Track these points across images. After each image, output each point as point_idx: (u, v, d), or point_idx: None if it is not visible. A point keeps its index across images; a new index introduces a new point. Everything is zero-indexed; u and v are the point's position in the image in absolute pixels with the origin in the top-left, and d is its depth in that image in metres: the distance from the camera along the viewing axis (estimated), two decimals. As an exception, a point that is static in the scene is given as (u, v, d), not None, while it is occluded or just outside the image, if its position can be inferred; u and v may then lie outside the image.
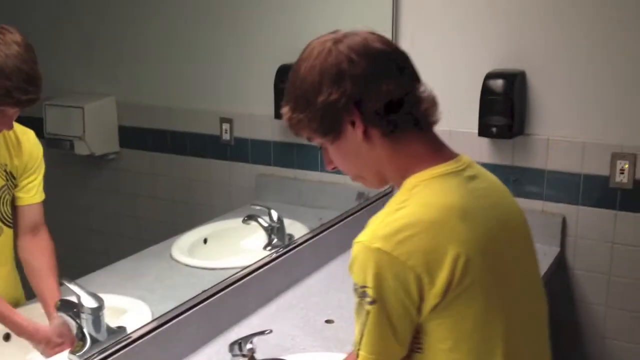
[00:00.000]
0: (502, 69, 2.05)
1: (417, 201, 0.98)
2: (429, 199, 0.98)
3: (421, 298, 0.94)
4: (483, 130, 2.02)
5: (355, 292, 0.97)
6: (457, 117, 2.03)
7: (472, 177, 1.03)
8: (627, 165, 1.96)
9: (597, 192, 2.02)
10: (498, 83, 2.00)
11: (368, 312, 0.95)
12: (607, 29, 1.95)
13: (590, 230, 2.05)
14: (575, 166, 2.04)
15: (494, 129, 2.01)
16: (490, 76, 2.02)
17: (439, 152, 1.05)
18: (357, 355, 0.98)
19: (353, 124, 1.00)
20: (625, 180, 1.97)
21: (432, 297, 0.94)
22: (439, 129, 1.06)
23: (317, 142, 1.06)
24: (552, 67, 2.04)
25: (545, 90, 2.05)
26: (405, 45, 2.29)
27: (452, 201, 0.98)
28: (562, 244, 2.09)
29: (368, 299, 0.94)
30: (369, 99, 0.99)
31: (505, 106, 1.99)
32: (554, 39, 2.02)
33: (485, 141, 2.08)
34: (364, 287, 0.95)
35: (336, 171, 1.12)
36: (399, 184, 1.03)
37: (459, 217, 0.96)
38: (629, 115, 1.96)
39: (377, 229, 0.96)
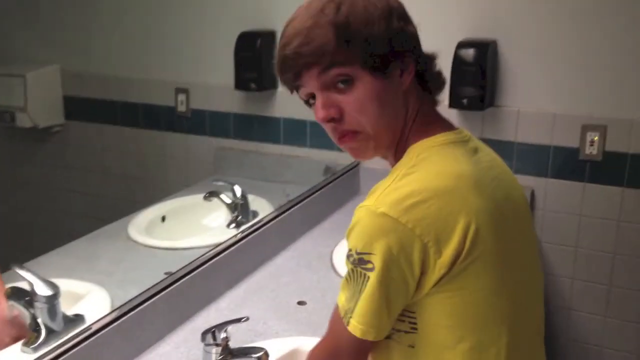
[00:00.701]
0: (474, 38, 1.99)
1: (427, 167, 0.92)
2: (439, 166, 0.92)
3: (423, 271, 0.88)
4: (454, 102, 1.96)
5: (349, 258, 0.90)
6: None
7: (476, 149, 0.99)
8: (597, 137, 1.94)
9: (566, 164, 2.00)
10: (470, 52, 1.94)
11: (367, 279, 0.88)
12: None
13: (558, 202, 2.04)
14: (545, 138, 2.01)
15: (465, 101, 1.96)
16: (462, 45, 1.95)
17: (445, 122, 1.00)
18: (347, 323, 0.91)
19: (402, 70, 0.94)
20: (594, 152, 1.95)
21: (438, 268, 0.87)
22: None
23: (345, 69, 0.91)
24: (524, 37, 1.99)
25: (516, 60, 2.01)
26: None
27: (462, 169, 0.92)
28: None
29: (368, 266, 0.87)
30: (420, 50, 0.96)
31: (477, 77, 1.94)
32: (525, 8, 1.97)
33: (454, 113, 2.02)
34: (364, 253, 0.87)
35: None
36: (400, 151, 0.96)
37: (470, 186, 0.90)
38: (599, 86, 1.94)
39: (383, 194, 0.88)
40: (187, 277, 1.49)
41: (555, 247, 2.07)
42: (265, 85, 2.18)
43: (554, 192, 2.04)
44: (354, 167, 2.28)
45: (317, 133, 2.32)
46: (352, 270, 0.90)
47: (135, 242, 1.78)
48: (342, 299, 0.93)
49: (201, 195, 1.95)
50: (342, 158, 2.26)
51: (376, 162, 2.25)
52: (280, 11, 2.16)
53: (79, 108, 2.35)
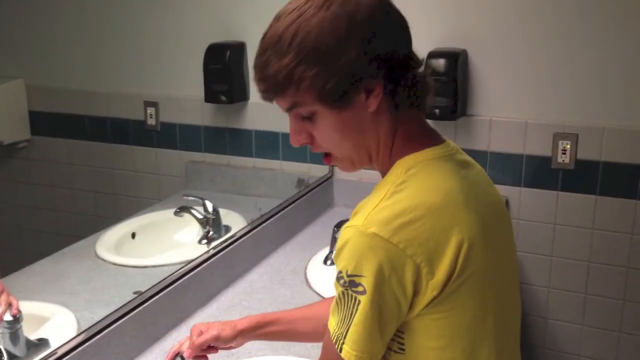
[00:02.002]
0: (444, 48, 1.99)
1: (416, 184, 0.88)
2: (428, 182, 0.89)
3: (415, 292, 0.85)
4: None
5: (339, 280, 0.86)
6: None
7: (462, 163, 0.96)
8: (568, 146, 1.95)
9: (539, 173, 2.00)
10: (440, 62, 1.94)
11: (358, 302, 0.85)
12: (547, 7, 1.92)
13: (533, 212, 2.04)
14: (518, 147, 2.01)
15: (437, 111, 1.95)
16: (432, 55, 1.94)
17: (431, 135, 0.96)
18: (340, 350, 0.87)
19: (368, 92, 0.88)
20: (567, 160, 1.96)
21: (430, 289, 0.85)
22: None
23: (303, 110, 0.88)
24: (494, 46, 1.99)
25: (487, 69, 2.01)
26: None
27: (452, 185, 0.89)
28: (505, 226, 2.06)
29: (359, 289, 0.84)
30: (392, 63, 0.89)
31: (448, 86, 1.93)
32: (495, 17, 1.98)
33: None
34: (354, 275, 0.84)
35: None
36: (386, 166, 0.93)
37: (461, 203, 0.88)
38: (570, 94, 1.95)
39: (372, 213, 0.85)
40: (157, 297, 1.44)
41: (531, 257, 2.07)
42: (236, 97, 2.15)
43: (528, 201, 2.04)
44: (327, 179, 2.26)
45: (289, 145, 2.29)
46: (343, 293, 0.86)
47: (104, 260, 1.73)
48: (332, 323, 0.89)
49: (172, 211, 1.91)
50: (315, 170, 2.24)
51: (350, 175, 2.23)
52: (249, 22, 2.15)
53: (45, 123, 2.29)
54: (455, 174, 0.91)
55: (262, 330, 1.17)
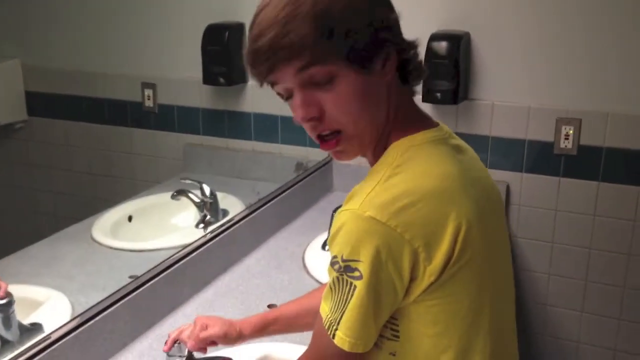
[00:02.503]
0: (446, 30, 1.95)
1: (413, 168, 0.86)
2: (425, 166, 0.87)
3: (412, 277, 0.83)
4: (427, 96, 1.92)
5: (334, 265, 0.84)
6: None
7: (457, 147, 0.93)
8: (571, 131, 1.92)
9: (541, 158, 1.98)
10: (443, 45, 1.90)
11: (353, 288, 0.82)
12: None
13: (534, 197, 2.01)
14: (520, 132, 1.98)
15: (439, 95, 1.92)
16: (434, 38, 1.91)
17: (425, 118, 0.94)
18: (333, 336, 0.85)
19: (385, 60, 0.87)
20: (570, 146, 1.93)
21: (428, 275, 0.82)
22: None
23: (321, 70, 0.83)
24: (497, 29, 1.95)
25: (490, 53, 1.97)
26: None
27: (449, 170, 0.87)
28: (506, 212, 2.04)
29: (355, 274, 0.82)
30: (402, 37, 0.90)
31: (450, 70, 1.89)
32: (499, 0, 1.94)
33: (428, 107, 1.98)
34: (350, 260, 0.81)
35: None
36: (380, 148, 0.90)
37: (457, 187, 0.86)
38: (574, 79, 1.91)
39: (369, 197, 0.82)
40: (152, 281, 1.43)
41: (531, 243, 2.05)
42: (235, 79, 2.11)
43: (529, 186, 2.01)
44: (326, 164, 2.23)
45: (289, 128, 2.27)
46: (337, 278, 0.84)
47: (100, 243, 1.71)
48: (325, 309, 0.87)
49: (169, 194, 1.89)
50: (314, 154, 2.21)
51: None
52: (248, 3, 2.11)
53: (42, 104, 2.26)
54: (451, 158, 0.89)
55: (265, 331, 1.19)
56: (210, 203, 1.83)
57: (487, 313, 0.89)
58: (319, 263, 1.72)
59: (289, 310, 1.20)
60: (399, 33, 0.90)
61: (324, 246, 1.80)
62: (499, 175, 2.01)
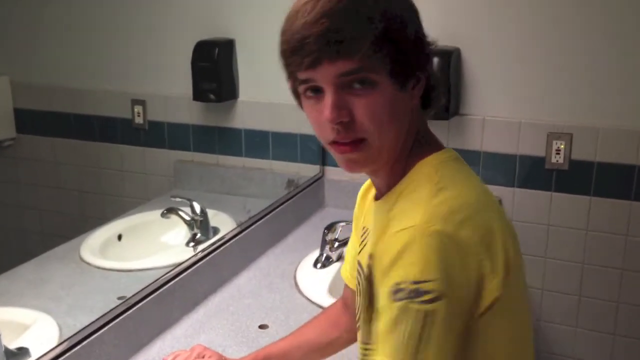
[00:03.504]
0: (437, 46, 1.94)
1: (454, 182, 0.85)
2: (465, 181, 0.87)
3: (478, 294, 0.78)
4: (418, 111, 1.92)
5: (396, 294, 0.75)
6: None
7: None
8: (563, 146, 1.92)
9: (533, 173, 1.97)
10: (433, 61, 1.89)
11: (426, 315, 0.73)
12: (542, 6, 1.89)
13: (526, 212, 2.01)
14: (511, 147, 1.98)
15: (430, 110, 1.91)
16: (425, 54, 1.90)
17: (437, 139, 0.94)
18: None
19: (415, 83, 0.86)
20: (561, 160, 1.93)
21: (492, 290, 0.78)
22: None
23: (370, 75, 0.81)
24: (488, 44, 1.96)
25: (480, 68, 1.97)
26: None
27: (480, 184, 0.89)
28: (498, 227, 2.03)
29: (426, 297, 0.73)
30: (432, 64, 0.93)
31: (442, 85, 1.89)
32: (488, 15, 1.94)
33: (419, 122, 1.98)
34: (421, 282, 0.74)
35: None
36: (397, 168, 0.89)
37: (490, 202, 0.87)
38: (565, 94, 1.91)
39: (428, 212, 0.78)
40: (141, 303, 1.40)
41: (524, 258, 2.02)
42: (225, 95, 2.11)
43: (521, 201, 2.01)
44: (318, 179, 2.22)
45: (279, 144, 2.26)
46: (404, 309, 0.74)
47: (88, 263, 1.68)
48: (385, 353, 0.76)
49: (159, 212, 1.87)
50: (305, 170, 2.20)
51: (341, 175, 2.20)
52: (238, 19, 2.11)
53: (31, 121, 2.24)
54: (474, 175, 0.91)
55: None
56: (201, 221, 1.81)
57: (529, 323, 0.90)
58: (310, 282, 1.70)
59: (281, 346, 1.18)
60: (431, 57, 0.92)
61: (315, 264, 1.78)
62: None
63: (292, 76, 0.86)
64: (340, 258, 1.79)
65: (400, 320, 0.75)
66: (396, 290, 0.76)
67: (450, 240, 0.77)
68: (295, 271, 1.77)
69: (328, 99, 0.82)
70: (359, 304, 0.94)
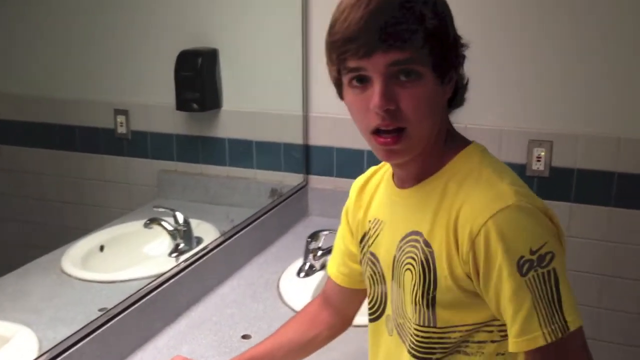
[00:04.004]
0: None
1: (503, 168, 0.94)
2: (506, 168, 0.96)
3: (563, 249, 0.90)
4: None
5: (524, 266, 0.83)
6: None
7: None
8: (543, 153, 1.93)
9: (514, 180, 1.98)
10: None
11: (553, 272, 0.83)
12: (523, 15, 1.91)
13: (509, 219, 2.02)
14: (493, 154, 1.99)
15: (412, 118, 1.92)
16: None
17: (460, 134, 1.02)
18: (566, 331, 0.82)
19: (449, 81, 0.92)
20: (542, 167, 1.94)
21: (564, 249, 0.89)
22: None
23: (417, 67, 0.86)
24: (469, 53, 1.96)
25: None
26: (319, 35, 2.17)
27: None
28: (481, 235, 2.04)
29: (547, 258, 0.83)
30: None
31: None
32: (470, 23, 1.94)
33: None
34: (539, 249, 0.83)
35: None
36: (433, 156, 0.95)
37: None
38: (545, 101, 1.93)
39: (510, 191, 0.86)
40: (123, 314, 1.40)
41: (507, 264, 2.05)
42: (208, 105, 2.10)
43: (504, 208, 2.02)
44: (302, 188, 2.22)
45: (263, 153, 2.26)
46: (534, 279, 0.83)
47: (69, 275, 1.67)
48: (536, 330, 0.83)
49: (142, 222, 1.86)
50: (289, 179, 2.20)
51: (325, 183, 2.20)
52: (221, 29, 2.11)
53: (11, 132, 2.22)
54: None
55: None
56: (184, 231, 1.80)
57: None
58: (293, 291, 1.70)
59: (263, 348, 1.18)
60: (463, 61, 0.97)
61: (299, 273, 1.78)
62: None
63: (339, 65, 0.90)
64: (323, 267, 1.79)
65: (535, 289, 0.83)
66: (522, 265, 0.83)
67: (538, 210, 0.86)
68: (279, 280, 1.76)
69: (377, 87, 0.86)
70: (379, 291, 1.05)
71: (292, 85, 2.23)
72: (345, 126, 2.18)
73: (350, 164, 2.19)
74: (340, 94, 0.95)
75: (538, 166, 1.95)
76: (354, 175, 2.19)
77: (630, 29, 1.82)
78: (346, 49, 0.86)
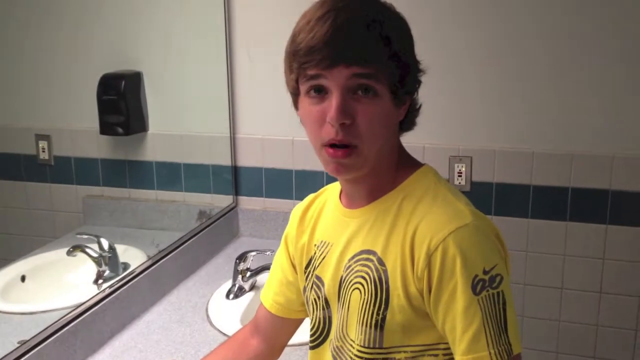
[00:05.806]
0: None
1: (456, 191, 0.97)
2: (457, 191, 0.99)
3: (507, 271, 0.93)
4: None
5: (476, 287, 0.84)
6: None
7: None
8: (464, 168, 2.00)
9: (438, 195, 2.04)
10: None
11: (501, 295, 0.85)
12: (439, 32, 1.98)
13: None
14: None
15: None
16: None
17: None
18: (508, 358, 0.83)
19: (403, 103, 0.94)
20: (463, 182, 2.01)
21: (508, 270, 0.92)
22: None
23: (377, 85, 0.89)
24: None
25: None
26: (243, 58, 2.18)
27: None
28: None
29: (497, 279, 0.85)
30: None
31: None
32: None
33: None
34: (490, 269, 0.85)
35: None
36: (387, 177, 0.97)
37: None
38: (463, 119, 2.00)
39: (465, 211, 0.89)
40: (41, 345, 1.36)
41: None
42: (134, 128, 2.08)
43: (429, 223, 2.07)
44: (231, 209, 2.22)
45: (192, 176, 2.24)
46: (486, 298, 0.84)
47: (-12, 308, 1.61)
48: (483, 348, 0.83)
49: (66, 249, 1.81)
50: (219, 200, 2.20)
51: (255, 204, 2.20)
52: (145, 52, 2.10)
53: None
54: None
55: None
56: (109, 257, 1.77)
57: None
58: (222, 313, 1.69)
59: None
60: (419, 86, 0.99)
61: (228, 295, 1.77)
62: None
63: (299, 74, 0.90)
64: (253, 287, 1.79)
65: (484, 309, 0.84)
66: (475, 283, 0.84)
67: (491, 232, 0.89)
68: (208, 303, 1.75)
69: (335, 100, 0.88)
70: (321, 316, 1.03)
71: (219, 107, 2.23)
72: (273, 147, 2.20)
73: (279, 184, 2.21)
74: (296, 104, 0.96)
75: (460, 181, 2.01)
76: (283, 196, 2.22)
77: (541, 50, 1.91)
78: (310, 59, 0.87)
